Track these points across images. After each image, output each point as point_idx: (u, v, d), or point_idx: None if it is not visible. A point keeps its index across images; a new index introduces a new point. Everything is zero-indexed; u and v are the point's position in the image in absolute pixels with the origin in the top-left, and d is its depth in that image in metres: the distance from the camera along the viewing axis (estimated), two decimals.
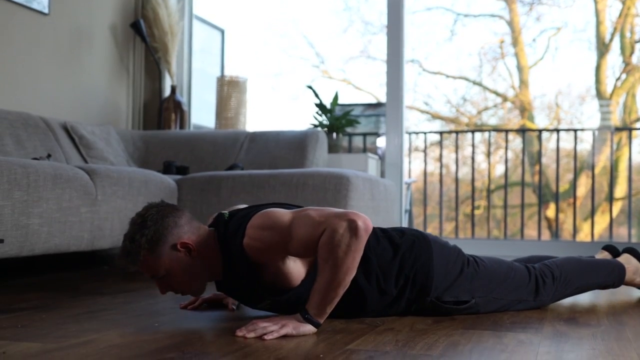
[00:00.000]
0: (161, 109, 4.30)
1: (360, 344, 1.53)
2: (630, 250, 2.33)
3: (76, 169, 2.60)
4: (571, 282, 2.09)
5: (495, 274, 1.96)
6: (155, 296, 2.32)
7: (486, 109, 8.76)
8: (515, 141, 7.70)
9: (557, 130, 5.20)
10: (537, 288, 2.01)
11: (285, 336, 1.58)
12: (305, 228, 1.63)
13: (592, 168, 5.00)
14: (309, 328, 1.62)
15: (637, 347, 1.54)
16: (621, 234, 6.39)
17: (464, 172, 7.24)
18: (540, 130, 5.92)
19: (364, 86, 8.47)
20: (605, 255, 2.38)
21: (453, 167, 5.43)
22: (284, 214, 1.69)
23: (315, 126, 4.10)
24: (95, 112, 4.06)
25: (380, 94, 7.31)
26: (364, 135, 5.07)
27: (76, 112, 3.89)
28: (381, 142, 4.90)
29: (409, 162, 5.89)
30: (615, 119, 7.80)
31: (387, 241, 1.88)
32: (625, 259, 2.29)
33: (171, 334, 1.62)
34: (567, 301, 2.24)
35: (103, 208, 2.66)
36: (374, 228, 1.86)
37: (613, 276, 2.21)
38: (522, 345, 1.55)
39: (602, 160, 7.18)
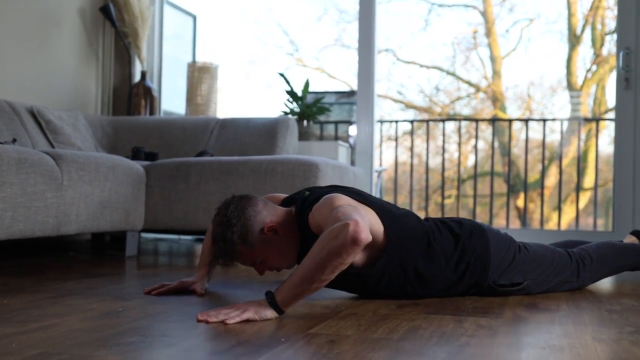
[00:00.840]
0: (131, 95, 4.27)
1: (322, 328, 1.55)
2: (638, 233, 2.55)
3: (41, 153, 2.58)
4: (606, 264, 2.28)
5: (542, 258, 2.13)
6: (121, 282, 2.32)
7: (459, 98, 8.82)
8: (487, 131, 7.77)
9: (527, 120, 5.26)
10: (578, 270, 2.20)
11: (247, 321, 1.59)
12: (330, 222, 1.71)
13: (560, 158, 5.08)
14: (270, 312, 1.63)
15: (592, 331, 1.58)
16: (590, 223, 6.49)
17: (438, 161, 7.29)
18: (510, 120, 5.99)
19: (338, 75, 8.48)
20: (632, 240, 2.56)
21: (426, 157, 5.47)
22: (339, 200, 1.80)
23: (286, 113, 4.10)
24: (63, 96, 4.01)
25: (353, 82, 7.31)
26: (336, 123, 5.08)
27: (43, 96, 3.84)
28: (353, 130, 4.92)
29: (380, 152, 5.92)
30: (586, 110, 7.91)
31: (448, 232, 2.01)
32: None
33: (134, 319, 1.62)
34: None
35: (69, 193, 2.63)
36: (433, 219, 2.07)
37: None
38: (481, 329, 1.58)
39: (572, 151, 7.28)
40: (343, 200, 1.81)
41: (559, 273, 2.15)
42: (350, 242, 1.60)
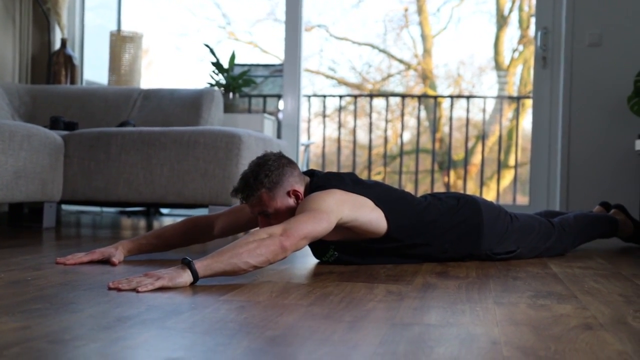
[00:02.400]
0: (50, 63, 4.14)
1: (235, 295, 1.57)
2: (619, 206, 2.85)
3: None
4: (583, 231, 2.57)
5: (531, 227, 2.38)
6: (35, 252, 2.27)
7: (390, 76, 8.92)
8: (419, 109, 7.90)
9: (452, 97, 5.38)
10: (561, 237, 2.46)
11: (161, 289, 1.59)
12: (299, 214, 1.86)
13: (483, 137, 5.22)
14: (185, 279, 1.63)
15: (495, 295, 1.65)
16: (518, 201, 6.71)
17: (371, 137, 7.37)
18: (436, 97, 6.11)
19: (270, 49, 8.42)
20: (601, 209, 2.88)
21: (358, 133, 5.52)
22: (325, 201, 1.91)
23: (212, 85, 4.06)
24: None
25: None
26: (264, 97, 5.07)
27: None
28: (283, 104, 4.92)
29: (309, 127, 5.94)
30: (512, 90, 8.14)
31: (445, 207, 2.21)
32: (616, 213, 2.82)
33: (42, 287, 1.59)
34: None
35: None
36: (431, 195, 2.29)
37: (611, 227, 2.73)
38: (390, 295, 1.63)
39: (498, 130, 7.49)
40: (330, 201, 1.91)
41: (545, 240, 2.41)
42: (277, 249, 1.73)
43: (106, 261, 2.01)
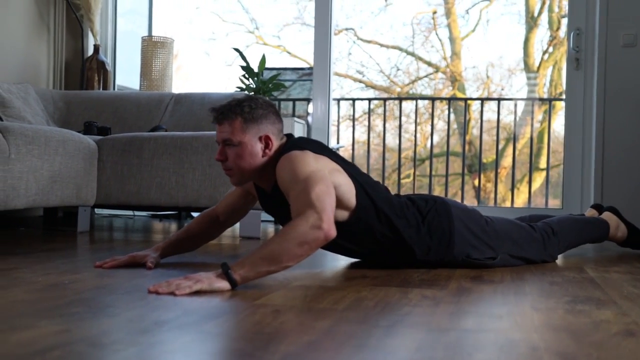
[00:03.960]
0: (84, 69, 4.19)
1: (269, 299, 1.57)
2: (611, 209, 2.68)
3: None
4: (568, 235, 2.39)
5: (509, 232, 2.22)
6: (71, 256, 2.30)
7: (418, 78, 8.87)
8: (447, 111, 7.85)
9: (482, 99, 5.33)
10: (544, 243, 2.30)
11: (199, 292, 1.60)
12: (303, 198, 1.74)
13: (514, 139, 5.17)
14: (223, 284, 1.63)
15: (532, 300, 1.63)
16: (550, 204, 6.63)
17: (400, 140, 7.34)
18: (466, 100, 6.06)
19: (298, 53, 8.43)
20: (593, 213, 2.70)
21: (386, 136, 5.50)
22: (306, 168, 1.82)
23: (242, 89, 4.08)
24: (13, 70, 3.92)
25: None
26: (294, 101, 5.08)
27: None
28: (312, 108, 4.92)
29: (338, 130, 5.93)
30: (542, 92, 8.04)
31: (415, 209, 2.10)
32: (608, 216, 2.64)
33: (80, 291, 1.61)
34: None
35: (17, 167, 2.59)
36: (403, 196, 2.16)
37: (601, 231, 2.55)
38: (425, 299, 1.62)
39: (528, 132, 7.40)
40: (311, 165, 1.83)
41: (527, 246, 2.25)
42: (322, 240, 1.68)
43: (142, 265, 2.02)
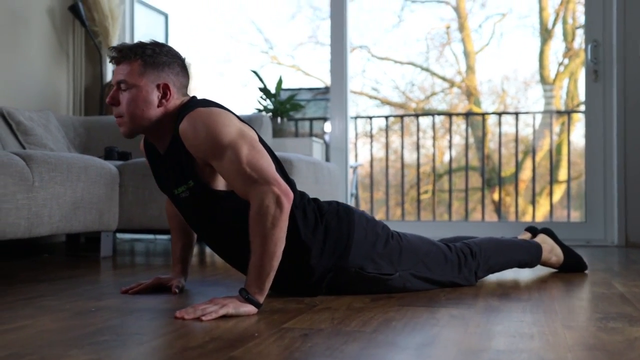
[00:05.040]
0: (103, 95, 4.24)
1: (296, 322, 1.56)
2: (546, 231, 2.45)
3: (11, 154, 2.55)
4: (490, 258, 2.16)
5: (416, 249, 2.01)
6: (95, 282, 2.31)
7: (434, 94, 8.87)
8: (464, 126, 7.84)
9: (499, 114, 5.31)
10: (459, 264, 2.08)
11: (224, 316, 1.59)
12: (235, 168, 1.67)
13: (533, 152, 5.14)
14: (249, 308, 1.63)
15: (563, 319, 1.60)
16: (565, 215, 6.58)
17: (415, 156, 7.34)
18: (483, 114, 6.04)
19: (313, 72, 8.48)
20: (527, 236, 2.48)
21: (403, 152, 5.49)
22: (231, 129, 1.69)
23: (260, 111, 4.10)
24: (34, 97, 3.97)
25: (328, 79, 7.34)
26: (311, 120, 5.09)
27: (13, 97, 3.80)
28: (328, 127, 4.93)
29: (355, 147, 5.94)
30: (559, 104, 8.00)
31: (315, 206, 1.93)
32: (542, 239, 2.41)
33: (107, 318, 1.61)
34: (504, 279, 2.31)
35: (41, 194, 2.61)
36: (306, 196, 1.95)
37: (530, 255, 2.32)
38: (454, 319, 1.60)
39: (546, 144, 7.36)
40: (232, 125, 1.71)
41: (437, 267, 2.03)
42: (289, 206, 1.65)
43: (167, 289, 2.02)
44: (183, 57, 1.86)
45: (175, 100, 1.80)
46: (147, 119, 1.78)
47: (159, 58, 1.77)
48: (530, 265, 2.34)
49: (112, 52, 1.79)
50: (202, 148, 1.70)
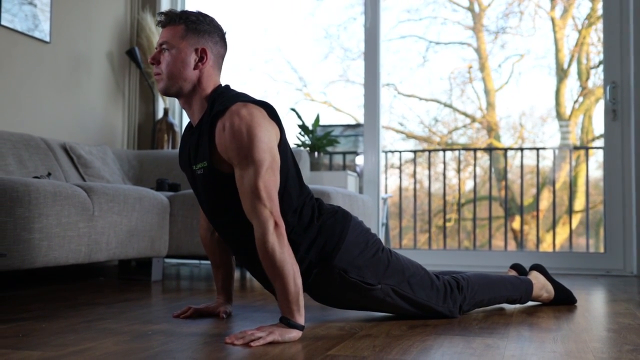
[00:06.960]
0: (154, 130, 4.30)
1: (340, 349, 1.54)
2: (537, 267, 2.34)
3: (74, 186, 2.59)
4: (477, 293, 2.06)
5: (405, 269, 1.93)
6: (148, 306, 2.31)
7: (456, 129, 8.83)
8: (483, 158, 7.78)
9: (522, 149, 5.26)
10: (445, 294, 1.98)
11: (272, 343, 1.58)
12: (250, 183, 1.64)
13: (553, 183, 5.08)
14: (294, 334, 1.63)
15: (594, 349, 1.56)
16: (581, 243, 6.46)
17: (437, 187, 7.30)
18: (505, 149, 6.00)
19: (343, 108, 8.50)
20: (513, 273, 2.37)
21: (426, 183, 5.46)
22: (265, 145, 1.66)
23: (299, 146, 4.12)
24: (93, 133, 4.04)
25: (358, 115, 7.35)
26: (344, 154, 5.09)
27: (75, 133, 3.88)
28: (360, 160, 4.92)
29: (385, 179, 5.92)
30: (574, 138, 7.91)
31: (316, 204, 1.89)
32: (533, 276, 2.30)
33: (163, 342, 1.61)
34: (531, 306, 2.27)
35: (99, 223, 2.64)
36: (311, 196, 1.90)
37: (520, 290, 2.20)
38: (489, 349, 1.57)
39: (563, 176, 7.26)
40: (266, 141, 1.67)
41: (420, 290, 1.93)
42: (283, 237, 1.64)
43: (215, 315, 2.02)
44: (225, 30, 1.85)
45: (210, 68, 1.79)
46: (182, 78, 1.77)
47: (201, 26, 1.78)
48: (520, 301, 2.22)
49: (159, 17, 1.81)
50: (232, 148, 1.67)
